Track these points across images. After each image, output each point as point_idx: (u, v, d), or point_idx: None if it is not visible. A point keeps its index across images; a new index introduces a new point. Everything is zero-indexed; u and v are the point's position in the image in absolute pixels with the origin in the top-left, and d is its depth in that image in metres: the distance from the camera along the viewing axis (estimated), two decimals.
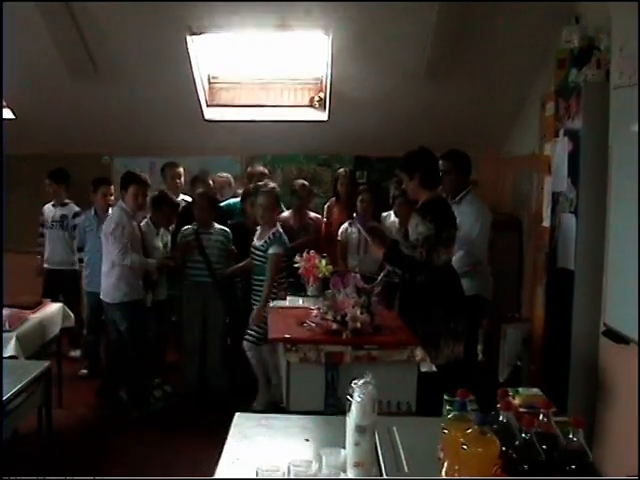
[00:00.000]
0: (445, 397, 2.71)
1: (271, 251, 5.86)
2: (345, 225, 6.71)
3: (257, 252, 5.98)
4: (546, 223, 5.65)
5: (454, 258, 5.26)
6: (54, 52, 6.62)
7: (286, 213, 7.00)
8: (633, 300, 4.05)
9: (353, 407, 2.49)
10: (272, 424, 3.19)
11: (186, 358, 6.40)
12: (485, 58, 6.61)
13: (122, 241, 5.83)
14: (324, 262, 5.62)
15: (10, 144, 7.24)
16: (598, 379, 4.80)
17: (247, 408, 5.59)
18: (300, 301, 5.60)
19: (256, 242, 6.03)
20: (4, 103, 7.46)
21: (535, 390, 2.94)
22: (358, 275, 5.18)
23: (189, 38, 6.58)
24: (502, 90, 7.00)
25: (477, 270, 5.55)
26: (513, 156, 7.46)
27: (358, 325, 4.47)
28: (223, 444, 2.87)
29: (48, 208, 7.39)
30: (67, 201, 7.34)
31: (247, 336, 5.93)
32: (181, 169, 7.42)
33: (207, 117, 7.63)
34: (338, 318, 4.54)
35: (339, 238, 6.71)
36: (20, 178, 8.02)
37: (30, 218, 7.67)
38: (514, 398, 2.76)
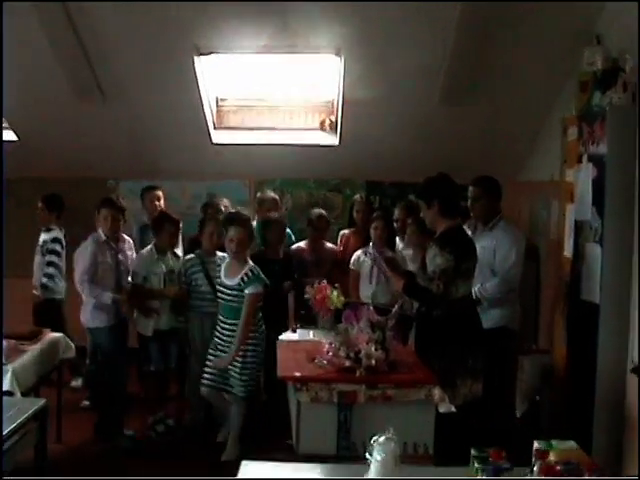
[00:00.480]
0: (473, 452, 2.46)
1: (249, 291, 5.36)
2: (358, 253, 6.44)
3: (229, 292, 5.46)
4: (567, 253, 5.43)
5: (488, 285, 5.20)
6: (59, 74, 6.48)
7: (301, 244, 6.82)
8: None
9: (373, 467, 2.25)
10: (281, 474, 2.98)
11: (191, 393, 6.07)
12: (502, 83, 6.42)
13: (79, 268, 5.86)
14: (336, 293, 5.38)
15: (14, 167, 7.07)
16: (625, 418, 4.56)
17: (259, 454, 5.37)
18: (311, 334, 5.37)
19: (226, 281, 5.48)
20: (7, 125, 7.31)
21: (571, 443, 2.67)
22: (371, 307, 4.96)
23: (197, 59, 6.42)
24: (519, 115, 6.79)
25: (508, 298, 5.44)
26: (530, 182, 7.22)
27: (373, 362, 4.25)
28: None
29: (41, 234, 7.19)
30: (53, 227, 7.08)
31: (206, 381, 5.54)
32: (160, 192, 7.22)
33: (215, 140, 7.45)
34: (351, 355, 4.33)
35: (351, 267, 6.43)
36: (20, 201, 7.81)
37: (25, 242, 7.41)
38: (548, 453, 2.51)
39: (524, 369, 5.80)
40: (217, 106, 7.50)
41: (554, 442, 2.62)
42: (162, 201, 7.21)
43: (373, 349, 4.28)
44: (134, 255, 6.32)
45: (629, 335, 4.54)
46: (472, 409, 4.44)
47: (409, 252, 6.11)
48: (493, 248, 5.36)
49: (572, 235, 5.27)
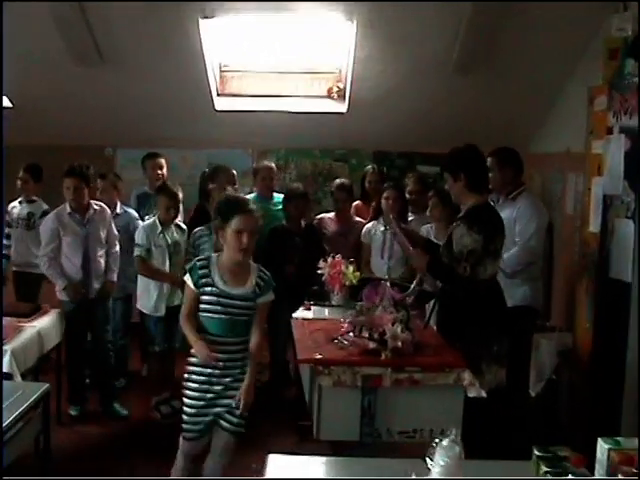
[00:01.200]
0: (536, 452, 2.23)
1: (265, 299, 3.97)
2: (369, 226, 6.20)
3: (239, 303, 3.89)
4: (594, 228, 5.20)
5: (506, 256, 4.91)
6: (57, 38, 6.16)
7: (329, 214, 6.60)
8: None
9: (435, 472, 2.00)
10: (310, 470, 2.83)
11: None
12: (520, 52, 6.15)
13: (41, 244, 5.72)
14: (351, 268, 5.14)
15: (8, 135, 6.80)
16: None
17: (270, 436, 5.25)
18: (326, 312, 5.11)
19: (228, 289, 3.87)
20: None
21: (635, 442, 2.43)
22: (388, 283, 4.69)
23: (200, 22, 6.10)
24: (532, 86, 6.56)
25: (530, 274, 5.22)
26: (543, 154, 6.97)
27: (399, 344, 3.98)
28: None
29: (14, 205, 6.75)
30: (35, 198, 6.73)
31: (228, 423, 3.97)
32: (162, 160, 6.96)
33: (218, 107, 7.18)
34: (376, 336, 4.06)
35: (362, 239, 6.21)
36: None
37: None
38: (634, 459, 2.24)
39: (540, 348, 5.58)
40: (220, 72, 7.23)
41: (621, 440, 2.37)
42: (164, 169, 6.95)
43: (399, 330, 4.03)
44: (112, 223, 6.00)
45: None
46: (497, 395, 4.22)
47: (427, 227, 5.84)
48: (514, 218, 5.14)
49: (599, 210, 5.05)
